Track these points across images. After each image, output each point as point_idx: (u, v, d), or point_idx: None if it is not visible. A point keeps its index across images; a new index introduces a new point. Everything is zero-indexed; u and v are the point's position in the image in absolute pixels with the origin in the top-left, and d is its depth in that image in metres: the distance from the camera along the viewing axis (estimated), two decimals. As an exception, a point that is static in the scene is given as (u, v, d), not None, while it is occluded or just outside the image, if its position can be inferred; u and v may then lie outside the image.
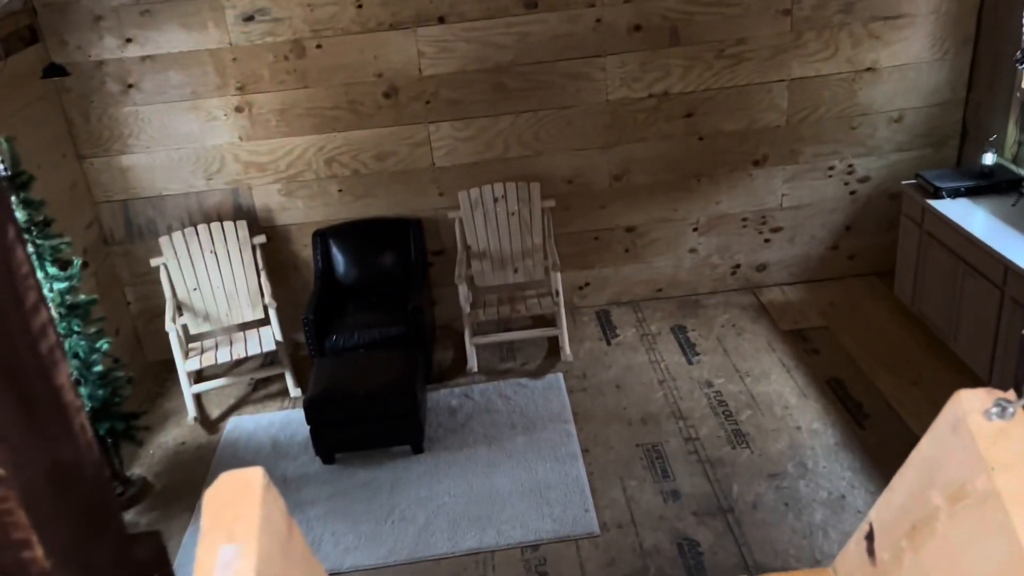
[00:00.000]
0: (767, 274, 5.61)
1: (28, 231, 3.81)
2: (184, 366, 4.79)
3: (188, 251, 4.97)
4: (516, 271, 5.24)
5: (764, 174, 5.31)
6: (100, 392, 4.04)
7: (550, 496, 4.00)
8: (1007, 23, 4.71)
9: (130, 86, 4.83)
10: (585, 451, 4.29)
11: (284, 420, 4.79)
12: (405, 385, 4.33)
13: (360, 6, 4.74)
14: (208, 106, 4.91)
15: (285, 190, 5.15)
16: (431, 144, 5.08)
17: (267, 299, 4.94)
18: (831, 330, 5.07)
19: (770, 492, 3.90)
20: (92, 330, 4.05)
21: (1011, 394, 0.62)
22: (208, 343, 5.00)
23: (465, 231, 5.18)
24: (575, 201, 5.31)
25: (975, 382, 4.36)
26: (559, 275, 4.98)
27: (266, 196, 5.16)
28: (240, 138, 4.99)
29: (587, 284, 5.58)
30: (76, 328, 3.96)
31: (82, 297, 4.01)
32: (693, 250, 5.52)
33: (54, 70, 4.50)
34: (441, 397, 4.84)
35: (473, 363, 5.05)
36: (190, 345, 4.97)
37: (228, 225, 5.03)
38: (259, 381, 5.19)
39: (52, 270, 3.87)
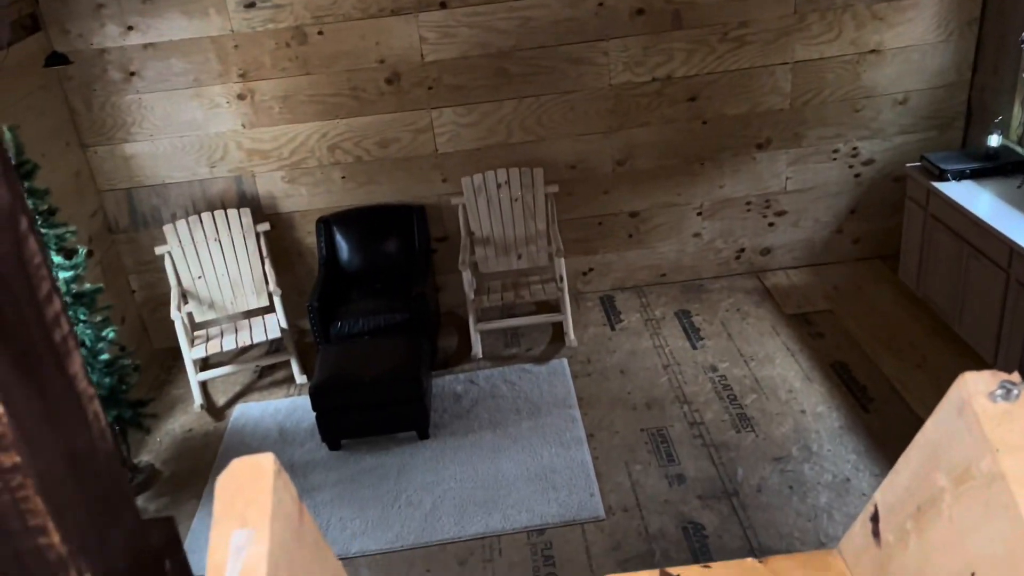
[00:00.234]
0: (771, 258, 5.61)
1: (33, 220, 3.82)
2: (190, 354, 4.81)
3: (192, 239, 4.98)
4: (520, 257, 5.24)
5: (768, 158, 5.29)
6: (107, 380, 4.06)
7: (556, 480, 4.02)
8: (1012, 3, 4.68)
9: (132, 74, 4.82)
10: (590, 436, 4.31)
11: (290, 407, 4.81)
12: (410, 371, 4.34)
13: (361, -8, 4.72)
14: (210, 93, 4.90)
15: (288, 177, 5.15)
16: (434, 130, 5.08)
17: (272, 286, 4.95)
18: (835, 314, 5.07)
19: (775, 475, 3.91)
20: (98, 318, 4.07)
21: (1016, 376, 0.62)
22: (213, 331, 5.02)
23: (468, 217, 5.18)
24: (578, 186, 5.30)
25: (980, 365, 4.36)
26: (563, 261, 4.98)
27: (270, 183, 5.16)
28: (243, 125, 4.99)
29: (591, 269, 5.58)
30: (82, 317, 3.98)
31: (88, 286, 4.02)
32: (697, 235, 5.51)
33: (56, 59, 4.49)
34: (446, 383, 4.86)
35: (478, 349, 5.07)
36: (196, 333, 4.99)
37: (232, 213, 5.03)
38: (265, 368, 5.21)
39: (57, 259, 3.88)
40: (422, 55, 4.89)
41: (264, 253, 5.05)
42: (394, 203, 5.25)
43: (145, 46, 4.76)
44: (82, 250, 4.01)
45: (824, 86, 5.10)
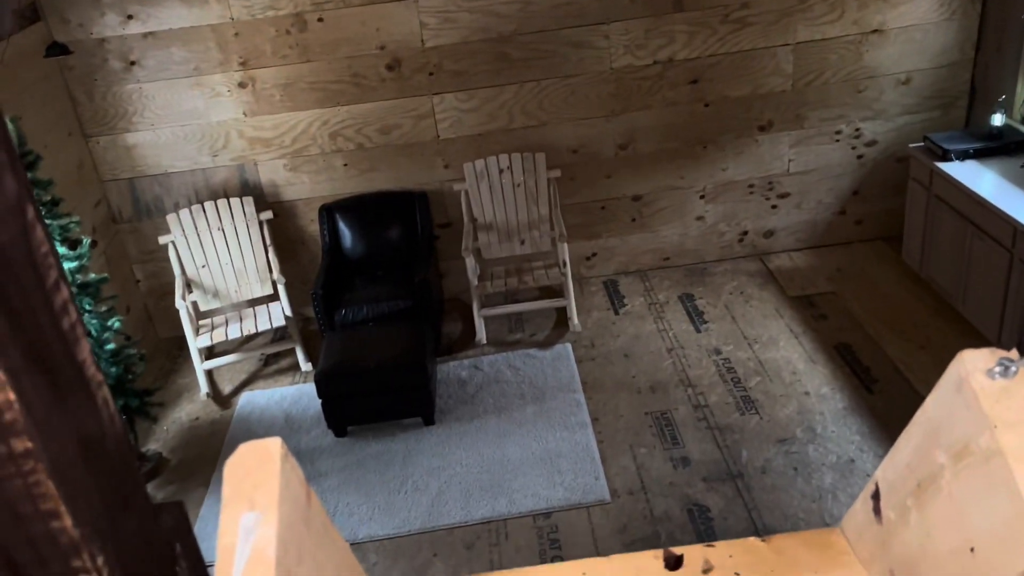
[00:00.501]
0: (774, 240, 5.60)
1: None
2: (195, 343, 4.83)
3: (196, 228, 4.98)
4: (523, 242, 5.24)
5: (770, 140, 5.28)
6: (113, 369, 4.09)
7: (561, 464, 4.04)
8: (1017, -19, 4.64)
9: (133, 63, 4.81)
10: (595, 420, 4.32)
11: (296, 394, 4.83)
12: (415, 357, 4.36)
13: (361, -23, 4.70)
14: (211, 82, 4.89)
15: (291, 165, 5.15)
16: (435, 116, 5.07)
17: (275, 275, 4.96)
18: (839, 295, 5.07)
19: (779, 457, 3.93)
20: (103, 308, 4.08)
21: (1014, 353, 0.63)
22: (218, 319, 5.04)
23: (471, 203, 5.18)
24: (581, 171, 5.29)
25: (983, 344, 4.36)
26: (566, 246, 4.98)
27: (272, 172, 5.16)
28: (244, 114, 4.98)
29: (594, 254, 5.58)
30: (88, 306, 3.99)
31: (92, 276, 4.04)
32: (700, 218, 5.51)
33: (57, 49, 4.49)
34: (451, 369, 4.88)
35: (482, 335, 5.08)
36: (200, 322, 5.01)
37: (235, 201, 5.04)
38: (270, 356, 5.23)
39: (62, 250, 3.89)
40: (422, 41, 4.87)
41: (267, 241, 5.06)
42: (396, 190, 5.25)
43: (145, 35, 4.75)
44: (86, 240, 4.02)
45: (826, 67, 5.08)
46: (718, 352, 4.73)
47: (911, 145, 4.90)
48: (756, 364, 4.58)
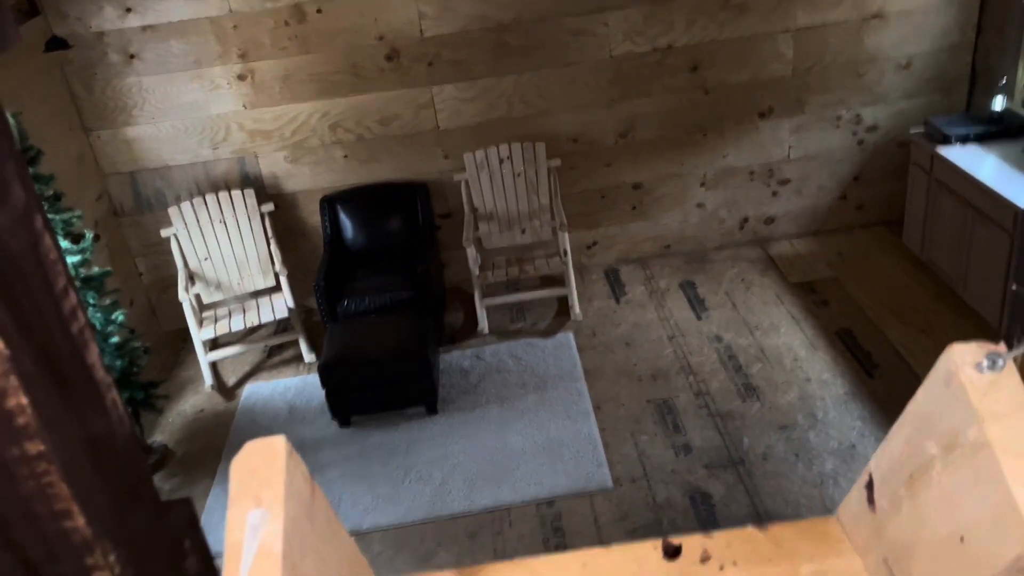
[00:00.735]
0: (775, 227, 5.61)
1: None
2: (199, 335, 4.85)
3: (197, 221, 5.00)
4: (524, 232, 5.25)
5: (770, 126, 5.27)
6: (118, 363, 4.11)
7: (563, 453, 4.07)
8: (1017, -36, 4.62)
9: (132, 57, 4.81)
10: (597, 408, 4.35)
11: (300, 385, 4.86)
12: (418, 348, 4.38)
13: (359, -32, 4.69)
14: (211, 75, 4.89)
15: (291, 157, 5.16)
16: (435, 106, 5.06)
17: (277, 266, 4.98)
18: (840, 281, 5.08)
19: (780, 443, 3.95)
20: (107, 302, 4.10)
21: (1002, 347, 0.64)
22: (221, 311, 5.06)
23: (471, 193, 5.18)
24: (581, 160, 5.29)
25: (985, 329, 4.38)
26: (567, 235, 4.99)
27: (272, 164, 5.16)
28: (244, 106, 4.99)
29: (595, 243, 5.59)
30: (91, 300, 4.01)
31: (96, 269, 4.06)
32: (700, 205, 5.51)
33: (56, 43, 4.49)
34: (453, 359, 4.90)
35: (484, 324, 5.10)
36: (204, 314, 5.03)
37: (236, 194, 5.05)
38: (273, 348, 5.26)
39: (65, 244, 3.91)
40: (421, 31, 4.87)
41: (269, 233, 5.07)
42: (397, 180, 5.25)
43: (144, 28, 4.74)
44: (89, 234, 4.04)
45: (826, 52, 5.07)
46: (719, 339, 4.74)
47: (912, 129, 4.89)
48: (757, 351, 4.60)
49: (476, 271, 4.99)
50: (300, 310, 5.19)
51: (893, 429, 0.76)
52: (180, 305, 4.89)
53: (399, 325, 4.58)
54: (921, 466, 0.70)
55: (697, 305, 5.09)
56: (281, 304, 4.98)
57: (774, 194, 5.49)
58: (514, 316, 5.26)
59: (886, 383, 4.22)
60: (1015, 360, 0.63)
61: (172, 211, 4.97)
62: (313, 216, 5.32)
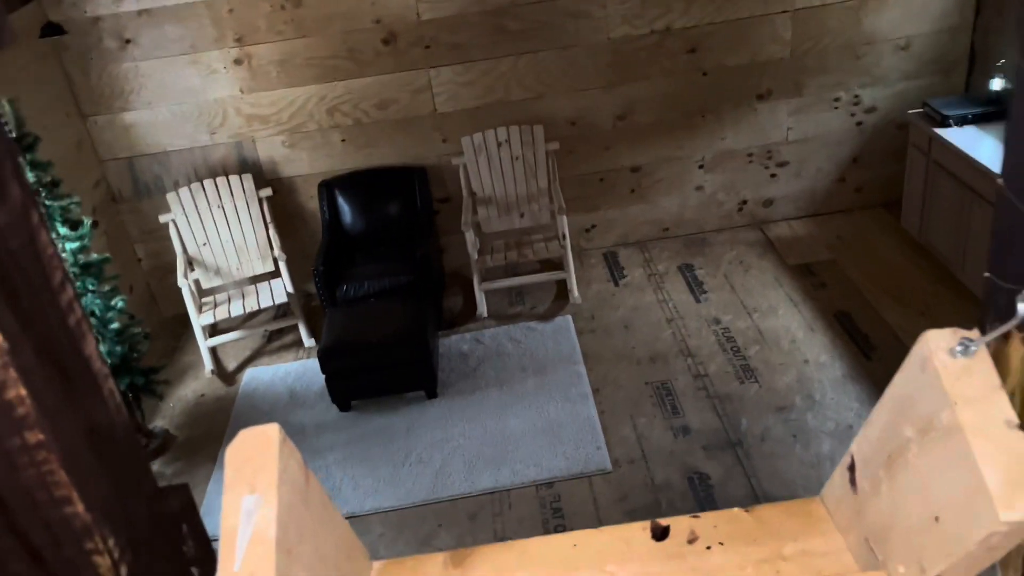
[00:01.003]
0: (773, 209, 5.61)
1: (37, 192, 3.85)
2: (199, 320, 4.87)
3: (196, 206, 5.00)
4: (522, 216, 5.26)
5: (769, 108, 5.26)
6: (118, 349, 4.13)
7: (562, 435, 4.10)
8: (1016, -57, 4.60)
9: (128, 42, 4.80)
10: (595, 391, 4.37)
11: (300, 370, 4.88)
12: (417, 332, 4.40)
13: (355, -49, 4.67)
14: (207, 59, 4.88)
15: (289, 142, 5.15)
16: (432, 90, 5.06)
17: (276, 251, 4.99)
18: (838, 263, 5.09)
19: (778, 425, 3.98)
20: (106, 288, 4.12)
21: (975, 333, 0.66)
22: (221, 297, 5.08)
23: (470, 177, 5.18)
24: (579, 143, 5.29)
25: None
26: (565, 218, 4.99)
27: (270, 148, 5.16)
28: (241, 91, 4.98)
29: (593, 226, 5.60)
30: (91, 287, 4.03)
31: (95, 256, 4.07)
32: (699, 188, 5.51)
33: (52, 29, 4.48)
34: (452, 343, 4.92)
35: (483, 308, 5.11)
36: (203, 299, 5.05)
37: (234, 179, 5.05)
38: (273, 332, 5.28)
39: (63, 230, 3.92)
40: (418, 14, 4.85)
41: (267, 218, 5.08)
42: (395, 165, 5.25)
43: (139, 12, 4.73)
44: (87, 221, 4.04)
45: (825, 33, 5.05)
46: (717, 322, 4.76)
47: (910, 111, 4.88)
48: (755, 333, 4.62)
49: (475, 255, 5.01)
50: (299, 295, 5.21)
51: (873, 413, 0.78)
52: (180, 291, 4.90)
53: (398, 310, 4.60)
54: (898, 448, 0.72)
55: (696, 288, 5.10)
56: (280, 289, 5.00)
57: (772, 176, 5.49)
58: (513, 300, 5.28)
59: (884, 365, 4.24)
60: (988, 346, 0.65)
61: (171, 197, 4.97)
62: (311, 201, 5.33)
